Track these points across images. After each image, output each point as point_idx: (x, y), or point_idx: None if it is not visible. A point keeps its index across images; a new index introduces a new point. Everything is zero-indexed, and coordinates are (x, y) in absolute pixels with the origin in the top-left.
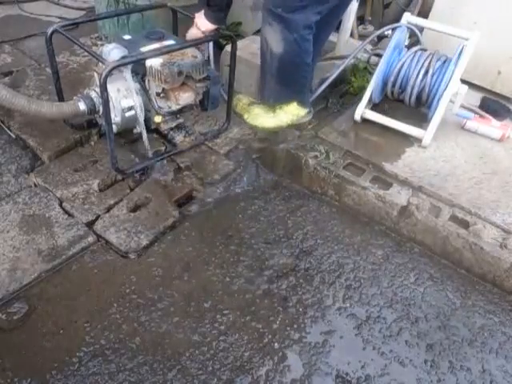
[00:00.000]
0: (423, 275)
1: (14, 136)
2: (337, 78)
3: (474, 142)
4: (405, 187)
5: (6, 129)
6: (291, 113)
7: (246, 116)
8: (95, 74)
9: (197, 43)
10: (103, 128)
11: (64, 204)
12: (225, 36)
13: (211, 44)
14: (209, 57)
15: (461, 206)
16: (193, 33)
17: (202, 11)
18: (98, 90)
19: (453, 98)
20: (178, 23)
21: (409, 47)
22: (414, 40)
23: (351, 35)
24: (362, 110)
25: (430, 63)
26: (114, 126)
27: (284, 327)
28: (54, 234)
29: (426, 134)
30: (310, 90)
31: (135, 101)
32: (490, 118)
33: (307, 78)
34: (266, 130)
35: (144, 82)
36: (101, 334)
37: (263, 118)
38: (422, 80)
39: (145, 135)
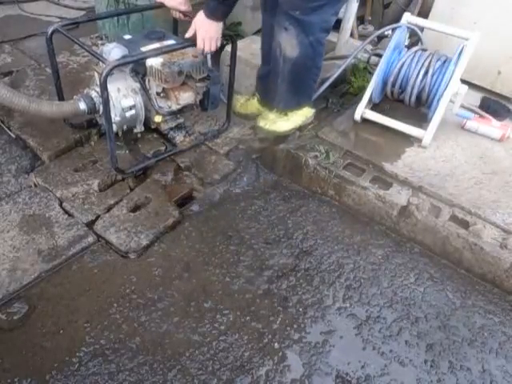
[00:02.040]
0: (423, 275)
1: (14, 136)
2: (337, 78)
3: (474, 141)
4: (405, 187)
5: (6, 129)
6: (302, 114)
7: (262, 123)
8: (95, 74)
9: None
10: (103, 128)
11: (64, 204)
12: (225, 36)
13: None
14: (206, 56)
15: (461, 205)
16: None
17: (200, 15)
18: (98, 89)
19: (453, 98)
20: (179, 23)
21: (409, 47)
22: (414, 40)
23: (351, 35)
24: (361, 110)
25: (430, 63)
26: (114, 126)
27: (284, 327)
28: (54, 234)
29: (426, 134)
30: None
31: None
32: (490, 117)
33: (316, 82)
34: (283, 134)
35: (144, 81)
36: (101, 333)
37: (280, 123)
38: (421, 80)
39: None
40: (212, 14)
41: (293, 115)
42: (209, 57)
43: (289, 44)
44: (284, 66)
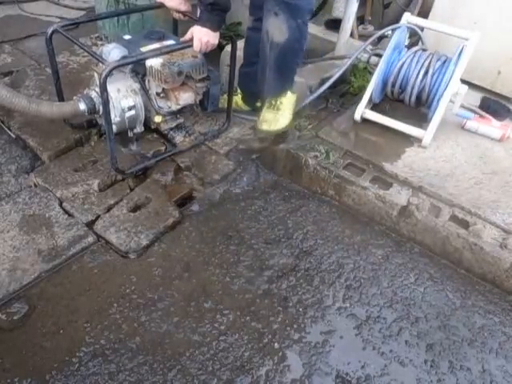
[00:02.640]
0: (423, 275)
1: (14, 136)
2: (337, 78)
3: (474, 141)
4: (405, 187)
5: (6, 129)
6: (290, 102)
7: (264, 126)
8: (95, 74)
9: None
10: (103, 128)
11: (64, 204)
12: (225, 36)
13: None
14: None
15: (461, 205)
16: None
17: (197, 26)
18: (98, 89)
19: (453, 98)
20: (178, 23)
21: (409, 47)
22: (414, 40)
23: (351, 35)
24: (362, 110)
25: (430, 63)
26: (113, 126)
27: (284, 327)
28: (54, 234)
29: (426, 134)
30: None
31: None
32: (490, 117)
33: (299, 65)
34: (285, 129)
35: (144, 81)
36: (101, 333)
37: (278, 120)
38: (422, 80)
39: None
40: (206, 24)
41: (282, 107)
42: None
43: (277, 29)
44: (271, 53)
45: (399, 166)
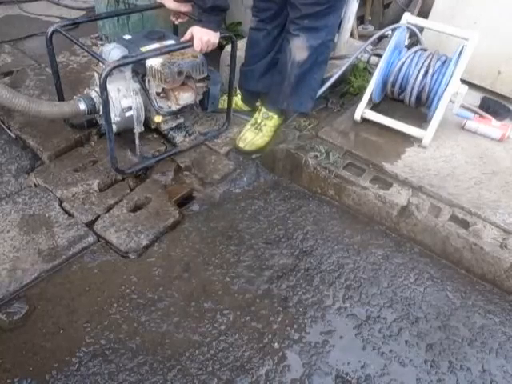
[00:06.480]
0: (423, 275)
1: (14, 136)
2: (337, 78)
3: (474, 141)
4: (405, 187)
5: (6, 129)
6: (274, 126)
7: (240, 144)
8: (95, 74)
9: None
10: (103, 128)
11: (64, 204)
12: (225, 36)
13: None
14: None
15: (461, 205)
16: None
17: (196, 27)
18: (98, 89)
19: (453, 98)
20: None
21: (409, 47)
22: (414, 40)
23: (351, 35)
24: (362, 110)
25: (430, 63)
26: (113, 126)
27: (284, 327)
28: (54, 234)
29: (426, 134)
30: None
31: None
32: (490, 117)
33: (318, 81)
34: (260, 150)
35: (144, 81)
36: (101, 333)
37: (255, 142)
38: (421, 80)
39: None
40: (206, 25)
41: (265, 128)
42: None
43: (299, 49)
44: (292, 70)
45: (399, 166)
